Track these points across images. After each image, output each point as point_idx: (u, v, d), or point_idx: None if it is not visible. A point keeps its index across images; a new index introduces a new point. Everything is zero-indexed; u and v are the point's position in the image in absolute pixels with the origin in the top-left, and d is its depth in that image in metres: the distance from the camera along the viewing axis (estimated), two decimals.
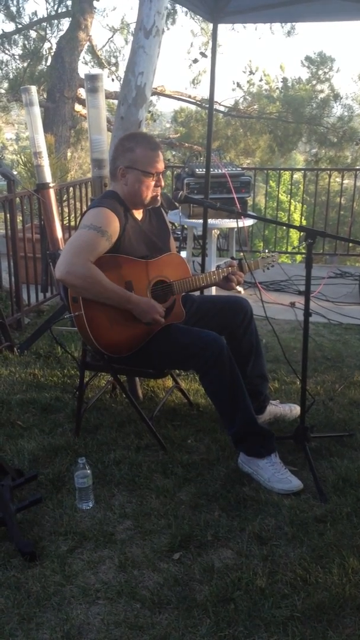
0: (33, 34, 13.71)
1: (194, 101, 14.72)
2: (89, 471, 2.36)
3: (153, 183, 2.59)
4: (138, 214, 2.68)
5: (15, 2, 13.15)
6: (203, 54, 13.85)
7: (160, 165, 2.60)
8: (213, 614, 1.84)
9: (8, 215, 4.21)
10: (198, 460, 2.66)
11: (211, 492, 2.43)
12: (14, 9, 13.21)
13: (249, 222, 5.54)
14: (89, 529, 2.22)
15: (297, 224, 10.02)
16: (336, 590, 1.91)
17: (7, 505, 2.16)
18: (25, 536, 2.17)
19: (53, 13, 13.28)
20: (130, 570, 2.03)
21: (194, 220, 5.18)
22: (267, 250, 3.00)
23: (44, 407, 3.14)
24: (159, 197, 2.65)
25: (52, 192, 4.15)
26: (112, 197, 2.59)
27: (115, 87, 13.41)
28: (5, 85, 13.82)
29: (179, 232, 6.09)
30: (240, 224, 4.94)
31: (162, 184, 2.64)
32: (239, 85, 14.87)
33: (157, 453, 2.71)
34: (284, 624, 1.80)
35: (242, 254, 6.08)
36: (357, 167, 13.06)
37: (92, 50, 13.94)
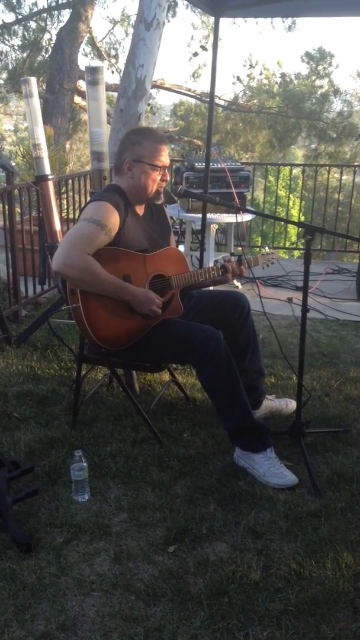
0: (33, 24, 13.65)
1: (194, 95, 14.70)
2: (85, 464, 2.36)
3: (159, 177, 2.59)
4: (139, 209, 2.68)
5: None
6: (203, 48, 13.81)
7: (167, 159, 2.60)
8: (207, 606, 1.85)
9: (6, 207, 4.20)
10: (194, 454, 2.67)
11: (207, 486, 2.44)
12: None
13: (247, 217, 5.54)
14: (85, 521, 2.23)
15: (295, 219, 10.02)
16: (330, 585, 1.93)
17: (4, 497, 2.17)
18: (21, 528, 2.17)
19: (53, 4, 13.23)
20: (125, 563, 2.04)
21: (192, 215, 5.18)
22: (267, 247, 3.00)
23: (40, 399, 3.14)
24: (162, 194, 2.65)
25: (50, 184, 4.14)
26: (113, 191, 2.59)
27: (115, 79, 13.38)
28: (5, 75, 13.77)
29: (177, 227, 6.09)
30: (239, 219, 4.95)
31: (167, 178, 2.64)
32: (239, 79, 14.84)
33: (153, 446, 2.71)
34: (278, 618, 1.82)
35: (240, 248, 6.09)
36: (356, 164, 13.06)
37: (92, 42, 13.90)
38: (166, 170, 2.62)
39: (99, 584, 1.95)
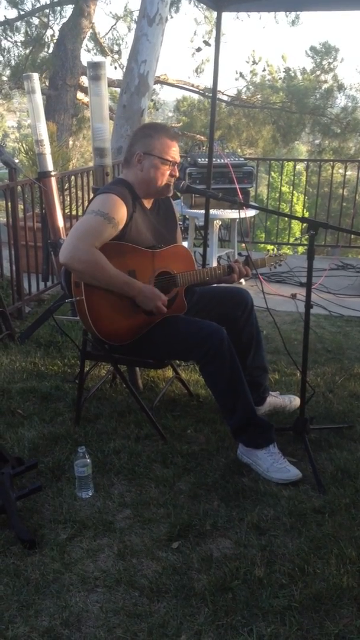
0: (35, 20, 13.63)
1: (197, 90, 14.66)
2: (88, 460, 2.36)
3: (168, 172, 2.59)
4: (147, 203, 2.67)
5: None
6: (206, 43, 13.77)
7: (177, 156, 2.61)
8: (211, 603, 1.85)
9: (9, 203, 4.20)
10: (197, 450, 2.66)
11: (210, 482, 2.44)
12: None
13: (251, 212, 5.53)
14: (89, 517, 2.24)
15: (299, 215, 9.98)
16: (334, 581, 1.92)
17: (8, 493, 2.17)
18: (25, 524, 2.18)
19: (55, 0, 13.19)
20: (129, 559, 2.04)
21: (195, 211, 5.17)
22: (275, 248, 2.99)
23: (44, 396, 3.14)
24: (171, 187, 2.64)
25: (53, 181, 4.14)
26: (121, 184, 2.58)
27: (117, 75, 13.36)
28: (7, 72, 13.76)
29: (181, 223, 6.08)
30: (242, 215, 4.93)
31: (177, 174, 2.63)
32: (241, 75, 14.79)
33: (157, 443, 2.71)
34: (282, 614, 1.82)
35: (243, 244, 6.08)
36: None
37: (94, 38, 13.88)
38: (175, 167, 2.62)
39: (103, 580, 1.95)
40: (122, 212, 2.48)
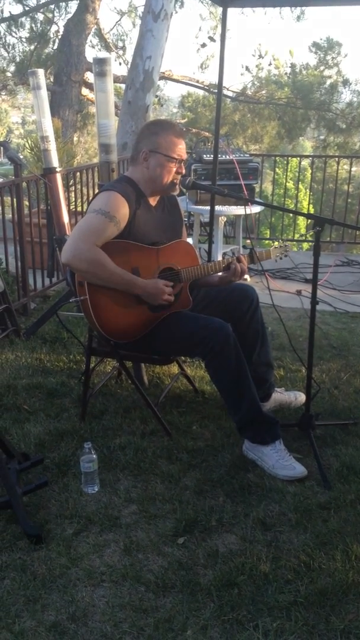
0: (40, 16, 13.60)
1: (202, 86, 14.62)
2: (94, 456, 2.37)
3: (175, 169, 2.58)
4: (152, 201, 2.67)
5: None
6: (211, 38, 13.72)
7: (184, 153, 2.60)
8: (217, 598, 1.86)
9: (15, 199, 4.20)
10: (203, 446, 2.67)
11: (216, 478, 2.45)
12: None
13: (256, 209, 5.52)
14: (95, 512, 2.24)
15: (304, 211, 9.96)
16: (339, 577, 1.93)
17: (14, 489, 2.18)
18: (31, 519, 2.19)
19: None
20: (135, 554, 2.05)
21: (200, 207, 5.16)
22: (280, 240, 2.99)
23: (50, 391, 3.15)
24: (177, 185, 2.64)
25: (58, 177, 4.14)
26: (124, 182, 2.58)
27: (122, 71, 13.33)
28: (12, 68, 13.75)
29: (186, 219, 6.08)
30: (248, 211, 4.92)
31: (184, 171, 2.63)
32: (247, 69, 14.74)
33: (162, 439, 2.72)
34: (287, 609, 1.82)
35: (248, 240, 6.07)
36: None
37: (99, 34, 13.85)
38: (182, 164, 2.61)
39: (109, 575, 1.96)
40: (124, 210, 2.48)
